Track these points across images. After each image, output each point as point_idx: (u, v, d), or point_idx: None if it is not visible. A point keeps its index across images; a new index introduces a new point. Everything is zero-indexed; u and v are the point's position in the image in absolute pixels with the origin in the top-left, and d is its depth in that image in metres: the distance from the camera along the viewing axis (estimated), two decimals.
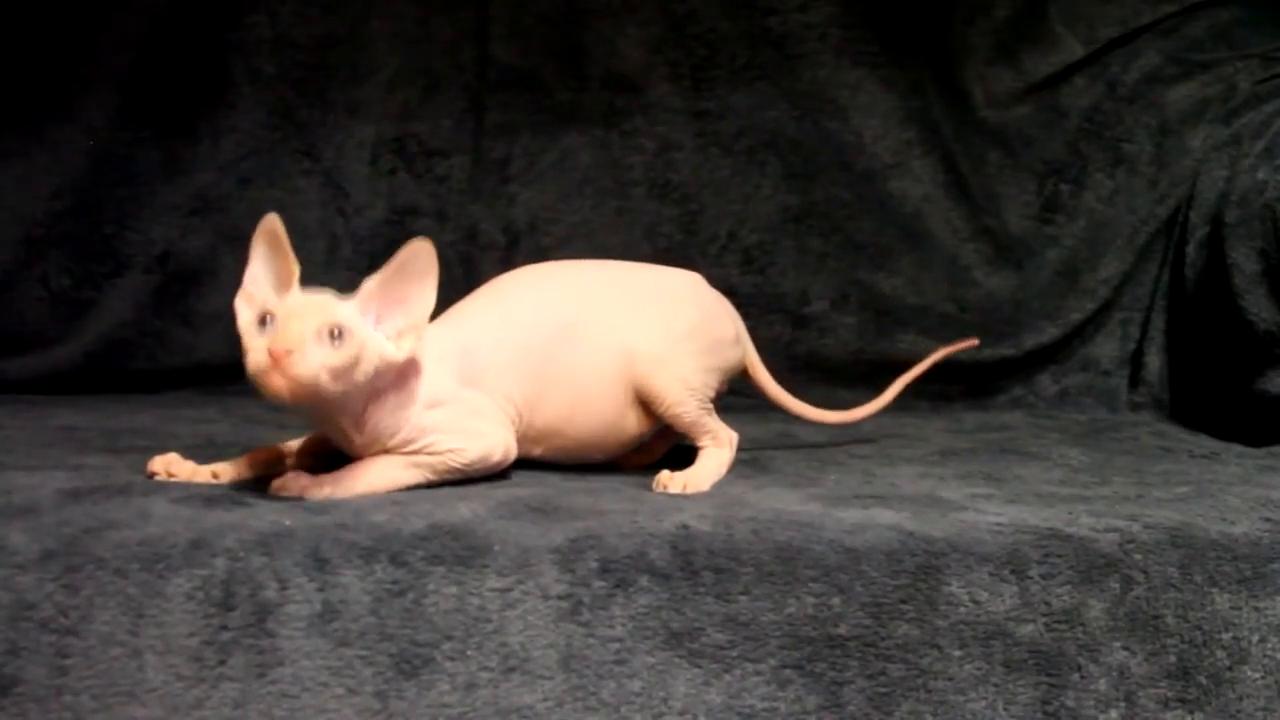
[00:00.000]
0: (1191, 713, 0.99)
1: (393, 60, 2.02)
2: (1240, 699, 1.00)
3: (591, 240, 1.99)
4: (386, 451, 1.16)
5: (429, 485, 1.16)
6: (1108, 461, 1.41)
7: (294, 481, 1.12)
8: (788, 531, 1.01)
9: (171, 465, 1.19)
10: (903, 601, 0.98)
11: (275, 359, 1.05)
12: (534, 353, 1.24)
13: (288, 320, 1.08)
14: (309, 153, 1.98)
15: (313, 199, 1.97)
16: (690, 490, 1.20)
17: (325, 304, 1.10)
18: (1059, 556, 1.00)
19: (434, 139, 2.01)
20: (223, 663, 0.93)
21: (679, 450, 1.32)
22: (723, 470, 1.28)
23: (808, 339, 1.96)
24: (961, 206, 1.99)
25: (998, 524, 1.04)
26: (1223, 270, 1.65)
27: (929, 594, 0.98)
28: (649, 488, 1.19)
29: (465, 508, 1.06)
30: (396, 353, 1.13)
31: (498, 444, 1.20)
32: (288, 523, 1.00)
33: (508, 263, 1.98)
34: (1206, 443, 1.55)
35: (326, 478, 1.13)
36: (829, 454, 1.44)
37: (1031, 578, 0.99)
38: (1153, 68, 1.99)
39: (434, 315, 1.17)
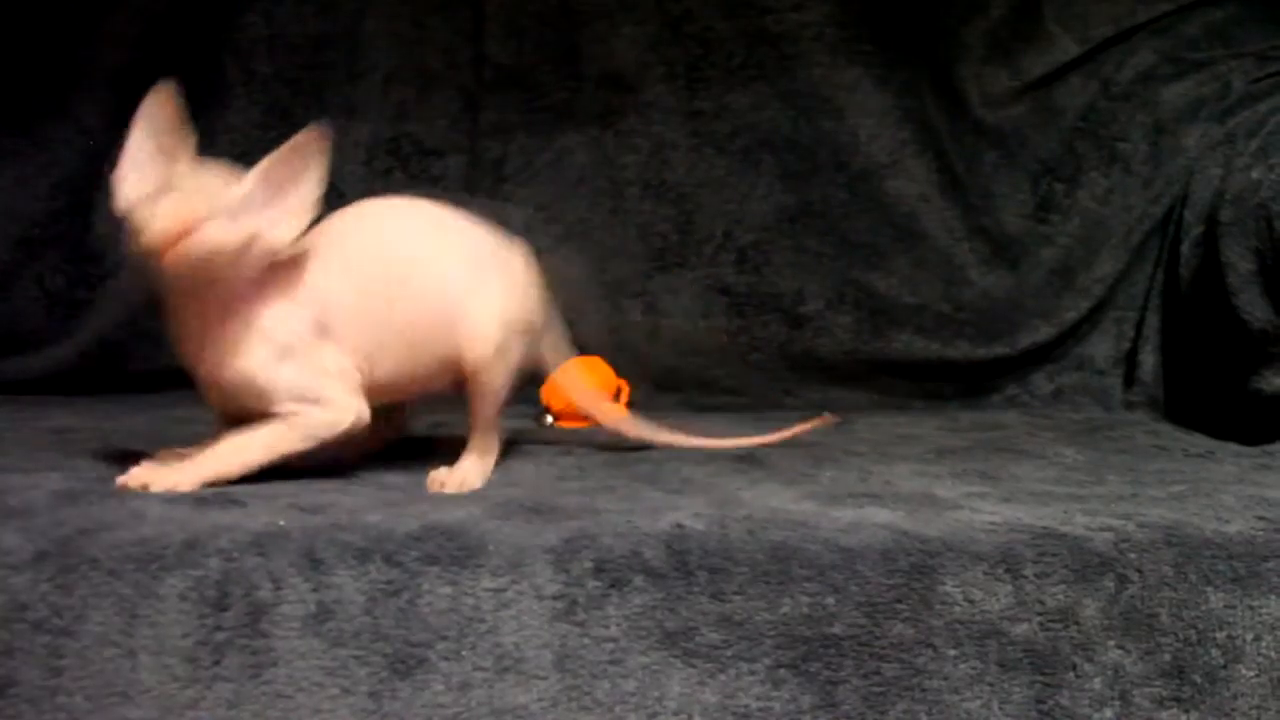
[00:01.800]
0: (1186, 711, 0.99)
1: (388, 60, 2.02)
2: (1235, 697, 1.00)
3: (587, 239, 2.00)
4: (227, 399, 1.12)
5: (270, 464, 1.13)
6: (1102, 460, 1.41)
7: (136, 475, 1.10)
8: (782, 531, 1.01)
9: (146, 477, 1.12)
10: (897, 601, 0.98)
11: (178, 234, 1.03)
12: (378, 295, 1.17)
13: (180, 194, 1.05)
14: None
15: None
16: (466, 489, 1.17)
17: (225, 179, 1.07)
18: (1053, 555, 1.01)
19: (429, 139, 2.01)
20: (217, 663, 0.93)
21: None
22: (490, 469, 1.24)
23: (803, 338, 1.96)
24: (957, 206, 1.99)
25: (992, 523, 1.04)
26: (1217, 269, 1.65)
27: (923, 593, 0.98)
28: (642, 487, 1.19)
29: (460, 508, 1.06)
30: (277, 241, 1.09)
31: (348, 411, 1.14)
32: (282, 523, 1.00)
33: None
34: (1201, 441, 1.55)
35: (172, 467, 1.11)
36: (824, 451, 1.44)
37: (1026, 577, 0.99)
38: (1147, 67, 1.99)
39: None
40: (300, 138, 1.10)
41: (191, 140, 1.09)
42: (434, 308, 1.20)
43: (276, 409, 1.12)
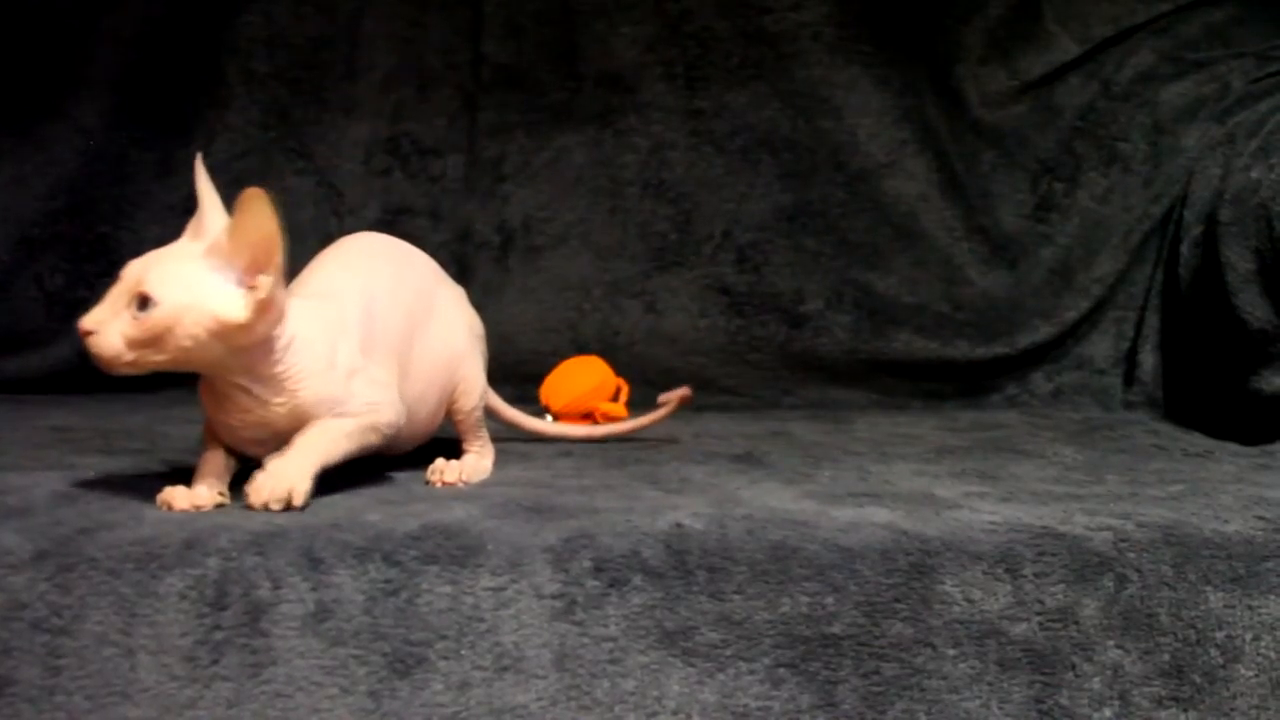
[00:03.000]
0: (1185, 711, 0.99)
1: (387, 60, 2.02)
2: (1234, 697, 1.00)
3: (586, 240, 2.00)
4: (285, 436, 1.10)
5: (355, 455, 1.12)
6: (1102, 460, 1.41)
7: (258, 494, 1.05)
8: (782, 530, 1.01)
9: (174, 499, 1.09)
10: (897, 600, 0.98)
11: (83, 334, 1.03)
12: (406, 324, 1.20)
13: (110, 289, 1.04)
14: (303, 152, 1.98)
15: (306, 199, 1.97)
16: (468, 480, 1.20)
17: (145, 267, 1.05)
18: (1053, 555, 1.01)
19: (428, 138, 2.01)
20: (216, 662, 0.93)
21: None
22: (490, 466, 1.28)
23: (802, 338, 1.96)
24: (956, 205, 1.99)
25: (992, 522, 1.04)
26: (1217, 269, 1.65)
27: (923, 593, 0.98)
28: (641, 486, 1.19)
29: (459, 507, 1.06)
30: (239, 310, 1.04)
31: (402, 408, 1.16)
32: (281, 522, 1.00)
33: (502, 262, 1.99)
34: (1200, 441, 1.55)
35: (270, 474, 1.07)
36: (824, 451, 1.44)
37: (1025, 576, 0.99)
38: (1147, 66, 1.99)
39: None
40: (239, 201, 1.05)
41: (213, 219, 1.09)
42: (444, 354, 1.25)
43: (352, 411, 1.11)
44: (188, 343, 1.03)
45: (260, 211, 1.04)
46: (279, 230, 1.04)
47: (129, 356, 1.03)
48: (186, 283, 1.04)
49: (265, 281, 1.04)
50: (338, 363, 1.11)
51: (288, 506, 1.04)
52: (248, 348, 1.06)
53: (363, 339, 1.14)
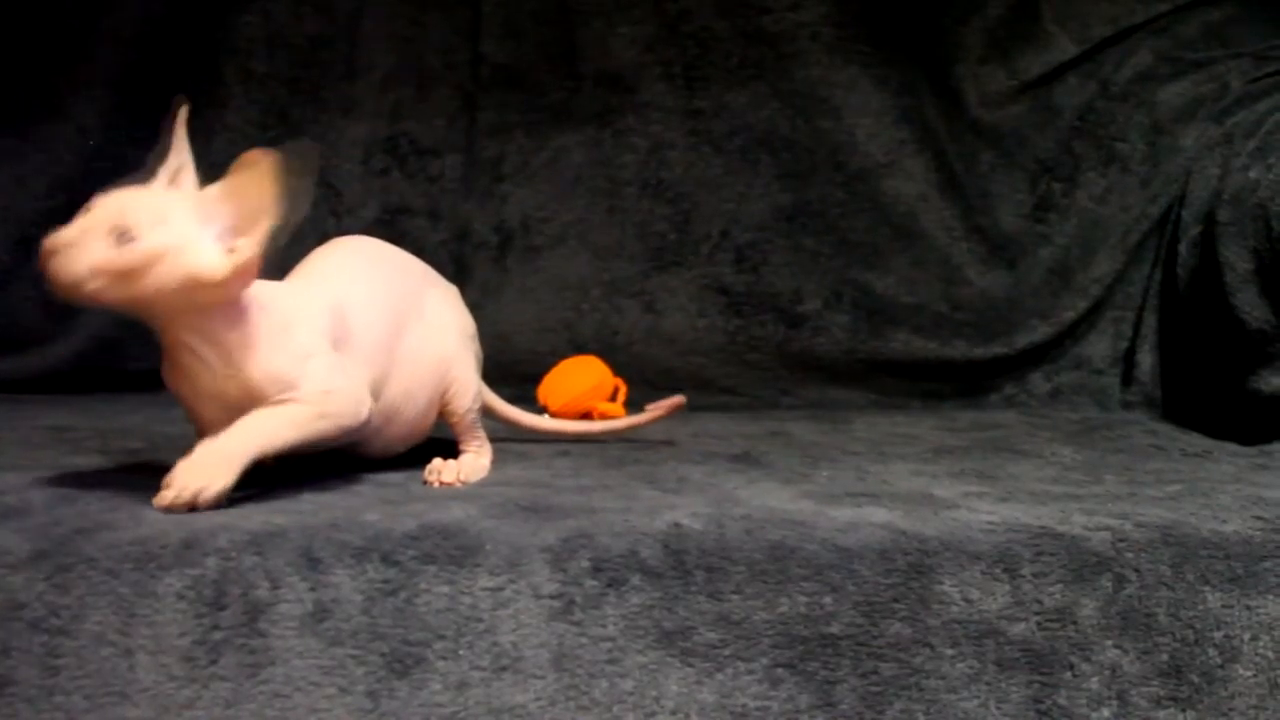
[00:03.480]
0: (1183, 711, 0.99)
1: (385, 59, 2.02)
2: (1232, 697, 1.00)
3: (584, 239, 2.00)
4: (236, 410, 1.07)
5: (298, 449, 1.09)
6: (1100, 460, 1.41)
7: (170, 496, 1.04)
8: (780, 530, 1.01)
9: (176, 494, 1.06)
10: (895, 600, 0.98)
11: (46, 254, 1.01)
12: (390, 325, 1.19)
13: (83, 214, 1.02)
14: None
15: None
16: (466, 479, 1.19)
17: (129, 201, 1.04)
18: (1051, 555, 1.01)
19: (427, 138, 2.01)
20: (214, 662, 0.93)
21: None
22: (487, 467, 1.28)
23: (801, 338, 1.96)
24: (954, 205, 1.99)
25: (990, 522, 1.04)
26: (1215, 269, 1.65)
27: (921, 593, 0.98)
28: (639, 486, 1.19)
29: (457, 507, 1.06)
30: (216, 267, 1.03)
31: (364, 404, 1.13)
32: (279, 522, 1.00)
33: (500, 262, 1.99)
34: (1199, 441, 1.55)
35: (202, 465, 1.04)
36: (822, 450, 1.44)
37: (1024, 576, 0.99)
38: (1145, 66, 1.99)
39: None
40: (245, 158, 1.06)
41: (181, 159, 1.08)
42: (433, 356, 1.25)
43: (301, 397, 1.09)
44: (155, 286, 1.02)
45: (263, 175, 1.04)
46: (276, 198, 1.04)
47: (91, 285, 1.01)
48: (171, 227, 1.03)
49: (246, 244, 1.04)
50: (294, 342, 1.09)
51: (192, 508, 1.03)
52: (207, 307, 1.05)
53: (331, 331, 1.13)
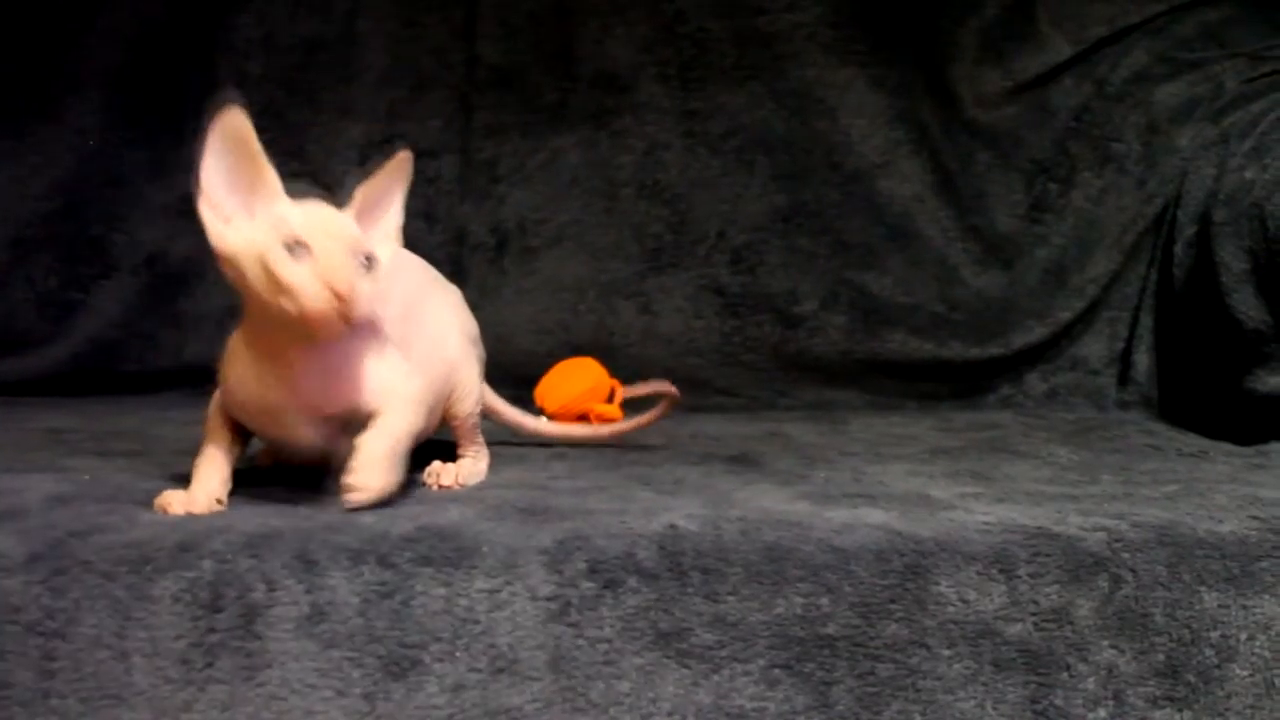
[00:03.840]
0: (1180, 711, 0.99)
1: (381, 61, 2.02)
2: (1229, 697, 1.00)
3: (580, 240, 2.00)
4: (343, 429, 1.07)
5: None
6: (1096, 460, 1.41)
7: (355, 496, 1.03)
8: (776, 531, 1.01)
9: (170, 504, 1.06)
10: (891, 601, 0.98)
11: (340, 299, 0.97)
12: (402, 328, 1.17)
13: (331, 249, 0.99)
14: (297, 153, 1.98)
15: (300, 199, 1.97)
16: (464, 483, 1.19)
17: (349, 225, 1.03)
18: (1047, 555, 1.00)
19: (422, 139, 2.01)
20: (210, 665, 0.93)
21: None
22: (485, 470, 1.27)
23: (797, 339, 1.96)
24: (950, 206, 2.00)
25: (986, 523, 1.04)
26: (1211, 269, 1.65)
27: (917, 593, 0.98)
28: (635, 487, 1.19)
29: (453, 509, 1.06)
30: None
31: None
32: (275, 524, 1.00)
33: (497, 263, 1.99)
34: (1195, 441, 1.55)
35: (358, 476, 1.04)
36: (818, 452, 1.44)
37: (1020, 577, 0.99)
38: (1141, 67, 1.99)
39: None
40: (393, 162, 1.10)
41: (266, 165, 1.06)
42: (436, 360, 1.23)
43: (405, 402, 1.09)
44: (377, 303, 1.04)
45: (394, 179, 1.10)
46: (402, 206, 1.10)
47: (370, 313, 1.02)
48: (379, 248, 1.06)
49: (386, 254, 1.07)
50: (388, 349, 1.10)
51: (382, 503, 1.04)
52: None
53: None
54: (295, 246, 0.99)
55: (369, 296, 1.01)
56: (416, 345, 1.20)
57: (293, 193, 1.05)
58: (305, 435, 1.08)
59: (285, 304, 0.99)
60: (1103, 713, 0.98)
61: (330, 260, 0.99)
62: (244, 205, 1.04)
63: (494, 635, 0.95)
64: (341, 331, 1.00)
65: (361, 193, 1.08)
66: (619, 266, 2.00)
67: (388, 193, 1.10)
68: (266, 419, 1.09)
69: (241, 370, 1.08)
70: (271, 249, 0.99)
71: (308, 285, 0.98)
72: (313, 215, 1.02)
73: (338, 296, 0.98)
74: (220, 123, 1.05)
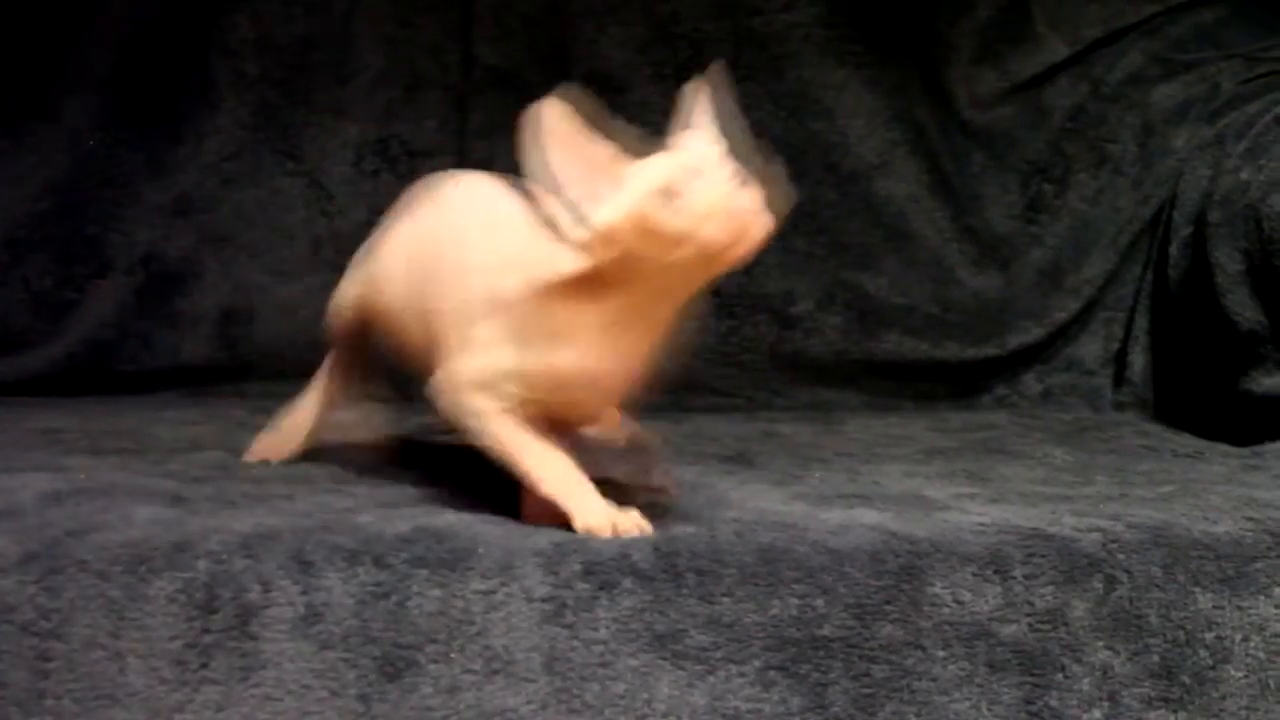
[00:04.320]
0: (1175, 712, 0.99)
1: (376, 61, 2.01)
2: (1223, 698, 1.00)
3: None
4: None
5: None
6: (1091, 461, 1.41)
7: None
8: (771, 533, 1.01)
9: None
10: (886, 602, 0.98)
11: (742, 219, 0.95)
12: None
13: (706, 183, 0.95)
14: (292, 154, 1.98)
15: (296, 200, 1.97)
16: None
17: (702, 152, 0.98)
18: (1042, 556, 1.01)
19: (418, 140, 2.00)
20: (205, 666, 0.92)
21: None
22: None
23: (793, 339, 1.96)
24: (946, 207, 1.99)
25: (981, 524, 1.04)
26: (1206, 270, 1.65)
27: (912, 594, 0.98)
28: (631, 489, 1.19)
29: (450, 510, 1.06)
30: None
31: None
32: (271, 524, 1.00)
33: None
34: (1190, 442, 1.55)
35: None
36: (813, 451, 1.44)
37: (1015, 578, 0.99)
38: (1136, 68, 1.99)
39: None
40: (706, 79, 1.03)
41: (603, 141, 1.01)
42: None
43: None
44: None
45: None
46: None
47: None
48: None
49: None
50: None
51: None
52: None
53: None
54: (668, 198, 0.96)
55: (760, 205, 0.96)
56: None
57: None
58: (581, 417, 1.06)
59: (686, 251, 0.96)
60: (1097, 714, 0.98)
61: (713, 192, 0.95)
62: (590, 189, 0.99)
63: (489, 636, 0.94)
64: (753, 251, 0.96)
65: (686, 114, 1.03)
66: None
67: (704, 109, 1.03)
68: (598, 393, 1.05)
69: (588, 342, 1.01)
70: (649, 209, 0.96)
71: (704, 223, 0.95)
72: (665, 163, 0.98)
73: (738, 218, 0.95)
74: (544, 117, 1.02)
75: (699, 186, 0.95)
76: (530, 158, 1.01)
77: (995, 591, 0.99)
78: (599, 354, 1.01)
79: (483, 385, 1.03)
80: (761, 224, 0.96)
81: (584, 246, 0.98)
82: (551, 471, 1.03)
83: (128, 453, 1.35)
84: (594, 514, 1.01)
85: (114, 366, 1.91)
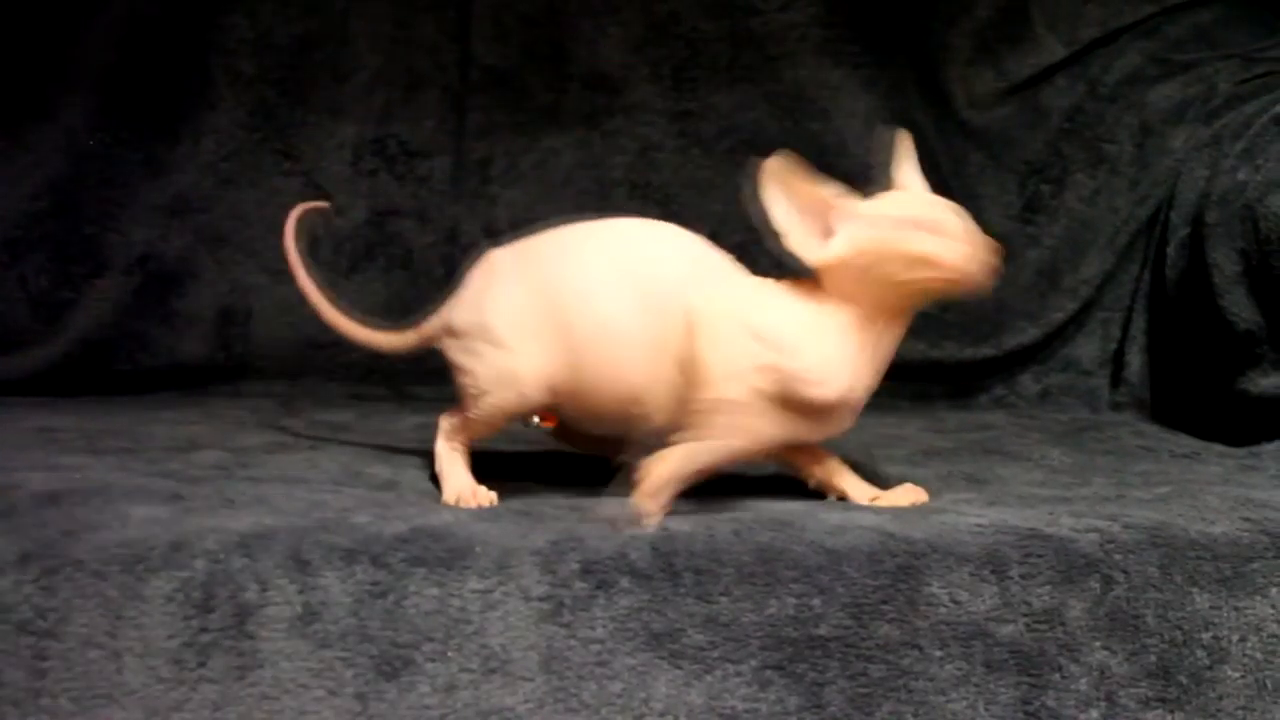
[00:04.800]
0: (1172, 712, 0.99)
1: (373, 61, 2.01)
2: (1220, 698, 1.00)
3: None
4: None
5: None
6: (1088, 461, 1.41)
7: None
8: (768, 532, 1.01)
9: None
10: (883, 602, 0.98)
11: (986, 249, 1.06)
12: None
13: (948, 215, 1.08)
14: (289, 153, 1.98)
15: (293, 200, 1.94)
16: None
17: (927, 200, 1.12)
18: (1039, 557, 1.01)
19: (415, 140, 2.00)
20: (202, 665, 0.92)
21: None
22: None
23: None
24: None
25: (978, 524, 1.04)
26: (1203, 270, 1.65)
27: (909, 594, 0.98)
28: (628, 488, 1.19)
29: (447, 510, 1.06)
30: None
31: None
32: (268, 523, 1.00)
33: None
34: (1187, 442, 1.55)
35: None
36: None
37: (1012, 578, 0.99)
38: (1134, 68, 1.99)
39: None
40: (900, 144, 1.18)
41: (827, 190, 1.16)
42: None
43: None
44: None
45: None
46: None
47: None
48: None
49: None
50: None
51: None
52: None
53: None
54: (916, 227, 1.07)
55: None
56: None
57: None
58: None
59: (926, 273, 1.07)
60: (1094, 714, 0.98)
61: (957, 223, 1.07)
62: (821, 228, 1.16)
63: (486, 635, 0.95)
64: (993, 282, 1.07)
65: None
66: None
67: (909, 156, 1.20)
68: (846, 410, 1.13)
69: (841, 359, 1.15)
70: (896, 235, 1.08)
71: (949, 248, 1.06)
72: (908, 200, 1.13)
73: (981, 248, 1.06)
74: (769, 174, 1.20)
75: (946, 220, 1.08)
76: (766, 203, 1.19)
77: (992, 591, 0.99)
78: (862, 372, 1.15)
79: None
80: (998, 261, 1.07)
81: (826, 266, 1.14)
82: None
83: (125, 452, 1.34)
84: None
85: (111, 366, 1.90)
